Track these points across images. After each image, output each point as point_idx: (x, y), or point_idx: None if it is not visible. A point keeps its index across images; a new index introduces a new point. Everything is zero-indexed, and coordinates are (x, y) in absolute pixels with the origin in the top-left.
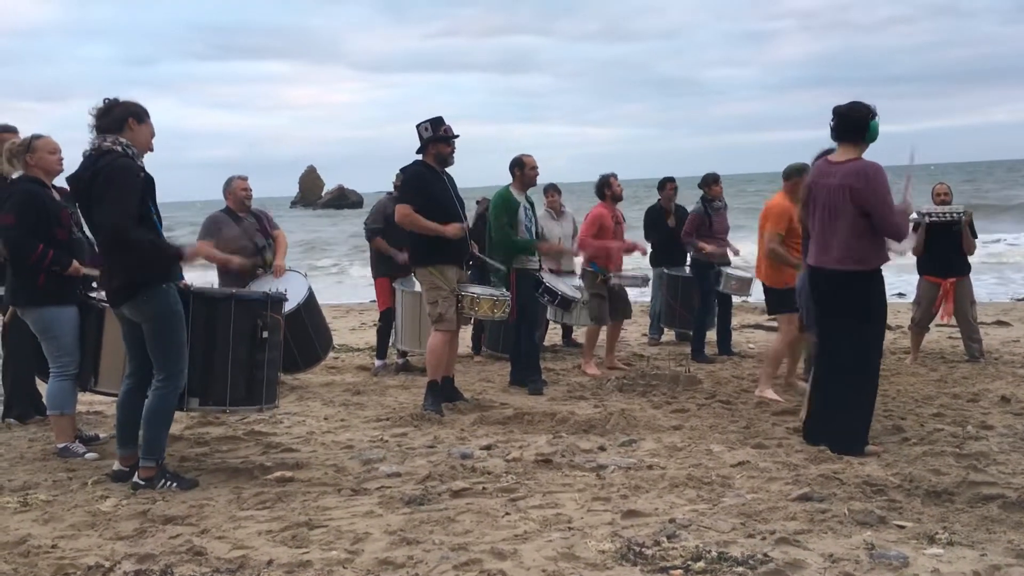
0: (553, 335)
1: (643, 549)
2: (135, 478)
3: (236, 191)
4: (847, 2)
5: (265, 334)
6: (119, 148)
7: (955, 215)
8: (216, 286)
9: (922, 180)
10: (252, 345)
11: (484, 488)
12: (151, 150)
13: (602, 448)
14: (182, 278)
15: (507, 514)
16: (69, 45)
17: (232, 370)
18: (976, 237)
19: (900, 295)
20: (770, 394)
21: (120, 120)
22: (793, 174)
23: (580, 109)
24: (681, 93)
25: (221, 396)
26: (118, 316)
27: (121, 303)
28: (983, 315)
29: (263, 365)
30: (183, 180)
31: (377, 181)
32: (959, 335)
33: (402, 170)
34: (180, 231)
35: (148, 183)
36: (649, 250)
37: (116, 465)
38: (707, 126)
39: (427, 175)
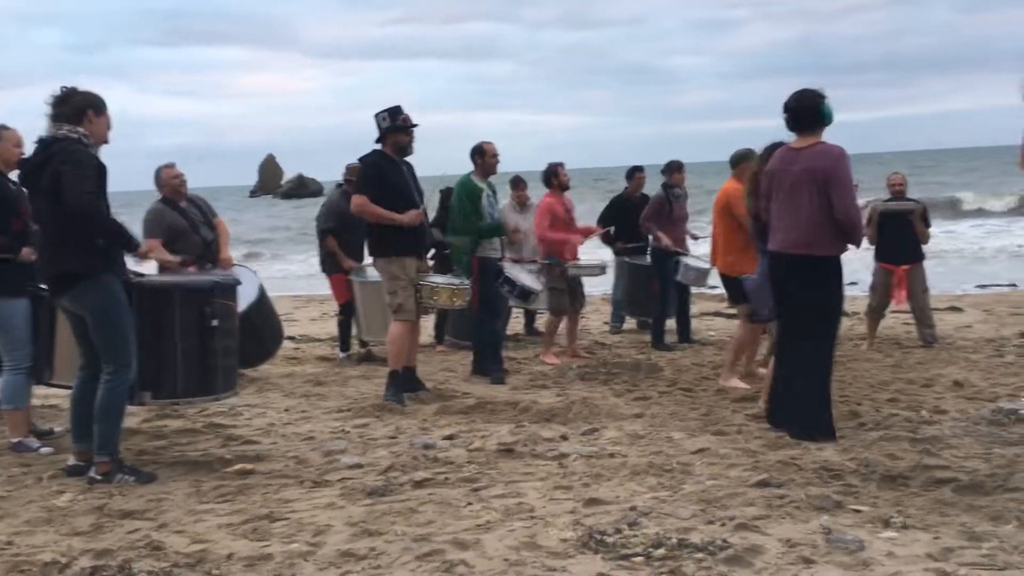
0: (516, 324)
1: (604, 537)
2: (91, 473)
3: (167, 180)
4: None
5: (215, 322)
6: (75, 136)
7: (907, 212)
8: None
9: (873, 171)
10: (202, 334)
11: (446, 478)
12: (107, 142)
13: (564, 437)
14: (125, 269)
15: (469, 504)
16: (17, 31)
17: (183, 361)
18: (929, 227)
19: (853, 283)
20: (734, 382)
21: (79, 110)
22: (740, 160)
23: (542, 96)
24: (643, 81)
25: (173, 388)
26: (61, 309)
27: (60, 294)
28: (936, 302)
29: (216, 353)
30: (138, 169)
31: (337, 170)
32: (913, 321)
33: (360, 160)
34: (134, 221)
35: (101, 171)
36: (612, 230)
37: (71, 460)
38: (669, 114)
39: (385, 165)
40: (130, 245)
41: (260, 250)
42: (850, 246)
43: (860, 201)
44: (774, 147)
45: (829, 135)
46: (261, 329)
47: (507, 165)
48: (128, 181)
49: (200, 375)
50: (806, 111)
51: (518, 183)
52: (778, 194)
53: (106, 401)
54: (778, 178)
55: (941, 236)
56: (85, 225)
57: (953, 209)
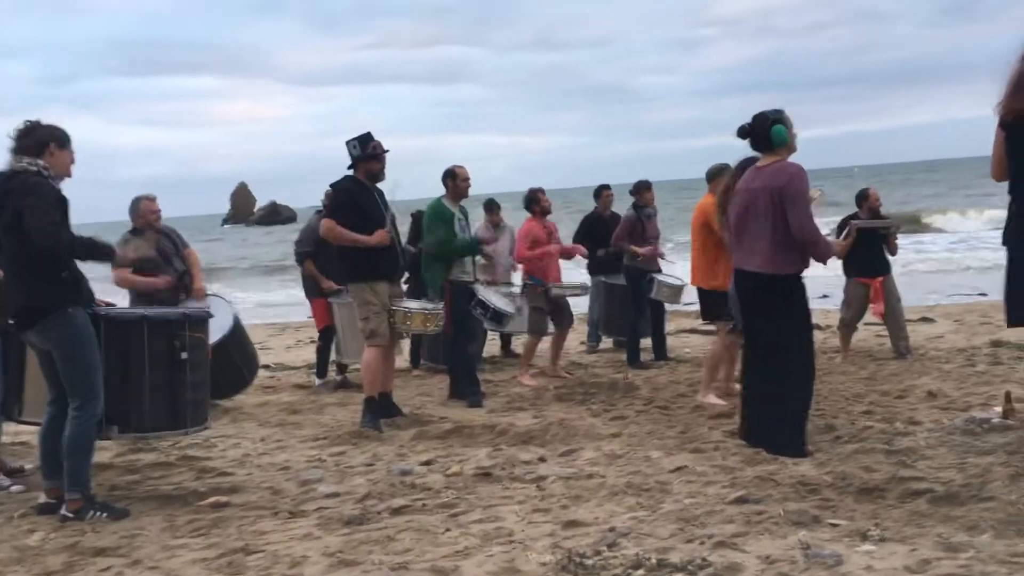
0: (492, 346)
1: (584, 559)
2: (62, 511)
3: (145, 212)
4: (772, 8)
5: (184, 355)
6: (34, 168)
7: (882, 230)
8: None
9: (843, 184)
10: (171, 367)
11: (424, 504)
12: (69, 175)
13: (542, 459)
14: (93, 301)
15: (447, 530)
16: None
17: (151, 395)
18: (896, 240)
19: (824, 296)
20: (712, 399)
21: (41, 144)
22: (716, 174)
23: (514, 118)
24: (614, 100)
25: (141, 422)
26: (28, 343)
27: (26, 328)
28: (907, 313)
29: (186, 386)
30: (110, 199)
31: (310, 196)
32: (886, 333)
33: (332, 185)
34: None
35: (62, 203)
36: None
37: (42, 498)
38: (641, 133)
39: (356, 191)
40: (109, 255)
41: (229, 279)
42: (814, 263)
43: (830, 221)
44: (747, 162)
45: (799, 150)
46: (236, 358)
47: (481, 187)
48: (98, 213)
49: (169, 409)
50: (758, 136)
51: (492, 206)
52: (740, 211)
53: (74, 436)
54: (741, 196)
55: (908, 248)
56: (54, 256)
57: (918, 223)
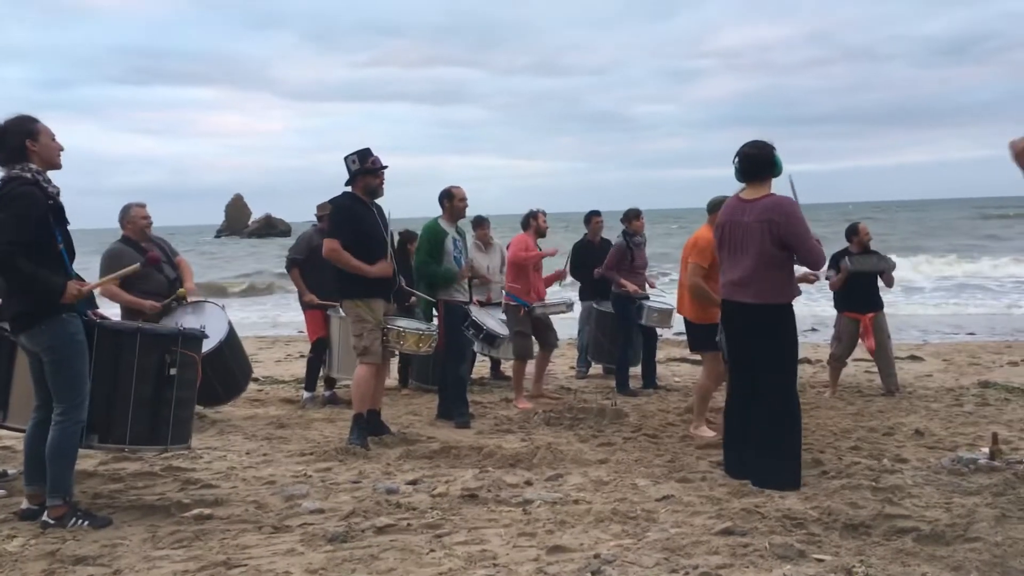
0: (481, 368)
1: None
2: (44, 517)
3: (136, 220)
4: (769, 43)
5: (173, 371)
6: (28, 175)
7: (880, 272)
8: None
9: (840, 219)
10: (159, 382)
11: (409, 524)
12: (62, 149)
13: (528, 482)
14: (91, 309)
15: (432, 551)
16: None
17: (135, 408)
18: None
19: (813, 330)
20: (704, 431)
21: (18, 148)
22: (717, 206)
23: (511, 141)
24: (610, 128)
25: (122, 434)
26: (20, 347)
27: (20, 332)
28: (896, 350)
29: (170, 403)
30: (103, 206)
31: (305, 210)
32: (875, 369)
33: (331, 202)
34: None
35: (57, 212)
36: (569, 279)
37: (24, 503)
38: (635, 161)
39: (356, 208)
40: (54, 294)
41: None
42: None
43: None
44: (722, 201)
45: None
46: (231, 364)
47: (477, 209)
48: (93, 219)
49: (151, 424)
50: (762, 161)
51: (480, 222)
52: (728, 244)
53: (57, 442)
54: (728, 229)
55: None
56: (8, 275)
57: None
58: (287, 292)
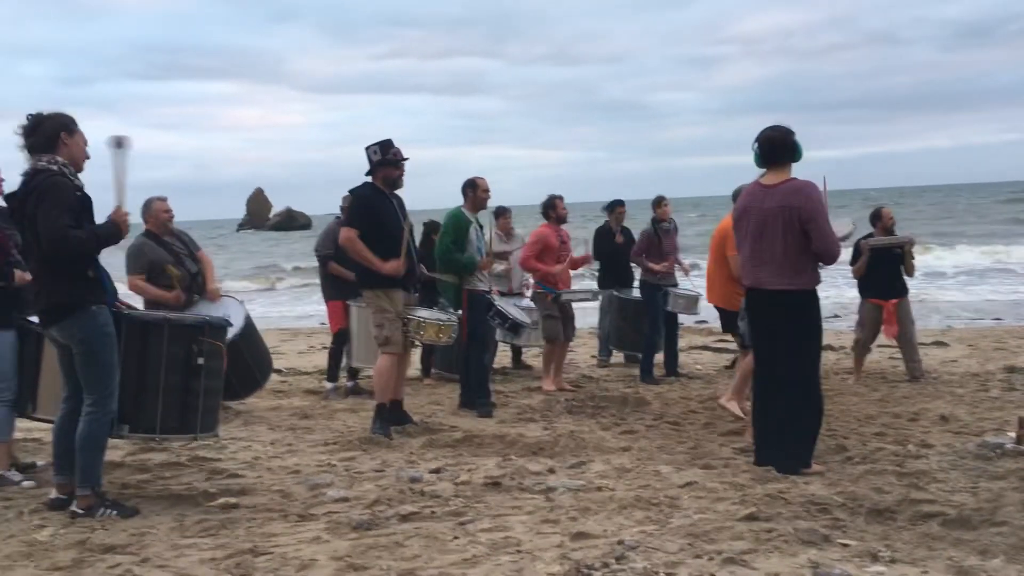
0: (503, 357)
1: (591, 571)
2: (73, 507)
3: (157, 213)
4: (790, 28)
5: (201, 360)
6: (55, 167)
7: (897, 248)
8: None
9: (861, 205)
10: (187, 372)
11: (433, 512)
12: (87, 159)
13: (551, 470)
14: (116, 299)
15: (456, 538)
16: (6, 64)
17: (164, 397)
18: (913, 259)
19: (836, 316)
20: (733, 406)
21: (52, 137)
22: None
23: (530, 132)
24: (628, 117)
25: (152, 424)
26: (50, 339)
27: (50, 325)
28: (921, 336)
29: (199, 392)
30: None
31: (326, 203)
32: (900, 356)
33: (351, 191)
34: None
35: (85, 202)
36: (597, 265)
37: (53, 493)
38: (654, 149)
39: (375, 198)
40: (115, 232)
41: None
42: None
43: (843, 228)
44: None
45: (807, 168)
46: (248, 358)
47: (497, 199)
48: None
49: (180, 413)
50: (783, 146)
51: (501, 212)
52: (750, 231)
53: (87, 433)
54: (749, 215)
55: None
56: (63, 259)
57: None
58: (306, 286)
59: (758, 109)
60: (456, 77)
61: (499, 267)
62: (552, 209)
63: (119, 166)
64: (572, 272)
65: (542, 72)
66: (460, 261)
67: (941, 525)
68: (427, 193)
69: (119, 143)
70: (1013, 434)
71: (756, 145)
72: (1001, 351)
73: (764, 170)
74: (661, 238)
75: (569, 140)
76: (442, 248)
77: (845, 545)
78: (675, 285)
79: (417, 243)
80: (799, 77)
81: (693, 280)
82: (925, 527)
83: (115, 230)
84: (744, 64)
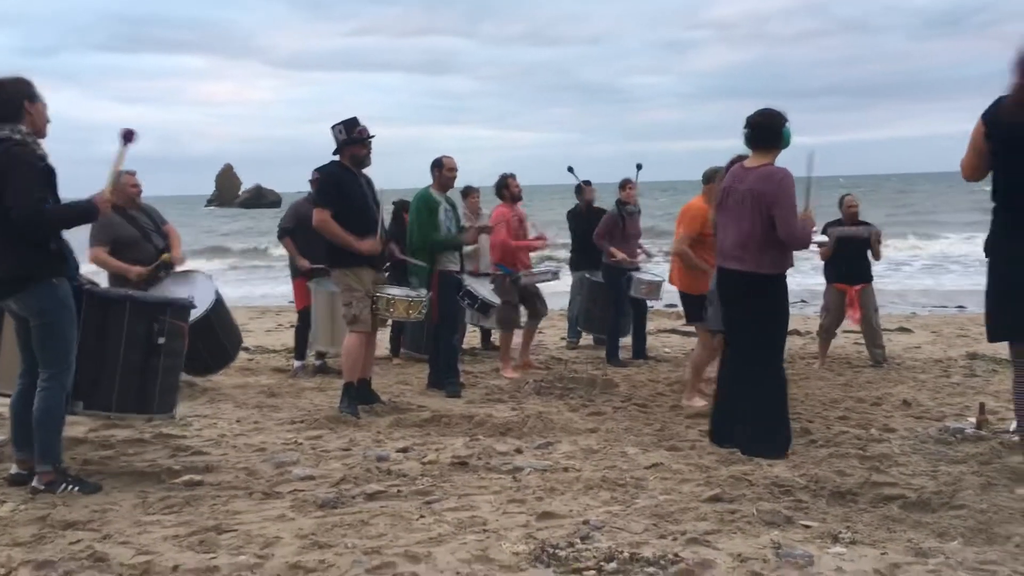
0: (472, 338)
1: (557, 551)
2: (34, 483)
3: (125, 187)
4: (765, 14)
5: (162, 340)
6: (17, 136)
7: (863, 236)
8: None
9: (831, 192)
10: (147, 350)
11: (399, 491)
12: (48, 124)
13: (518, 451)
14: (78, 273)
15: (421, 517)
16: None
17: (122, 374)
18: (880, 245)
19: (803, 301)
20: (695, 402)
21: (15, 105)
22: (712, 177)
23: (503, 112)
24: (603, 99)
25: (107, 401)
26: (8, 311)
27: (8, 296)
28: (885, 322)
29: (157, 371)
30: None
31: (296, 180)
32: (864, 341)
33: (318, 170)
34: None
35: (48, 173)
36: (555, 241)
37: (14, 469)
38: (628, 132)
39: (344, 177)
40: (90, 211)
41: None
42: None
43: (811, 204)
44: (735, 161)
45: (787, 155)
46: (219, 333)
47: (468, 180)
48: (78, 188)
49: (138, 391)
50: (769, 130)
51: (468, 192)
52: (725, 210)
53: (42, 409)
54: (726, 194)
55: (887, 261)
56: (35, 235)
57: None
58: (271, 265)
59: (731, 94)
60: (429, 55)
61: (468, 247)
62: (505, 188)
63: (119, 155)
64: (539, 252)
65: (517, 52)
66: (442, 241)
67: (901, 508)
68: (398, 173)
69: (128, 137)
70: (973, 419)
71: (746, 126)
72: (963, 338)
73: (751, 152)
74: (625, 220)
75: (543, 121)
76: (420, 234)
77: (807, 526)
78: (638, 269)
79: (387, 222)
80: (772, 63)
81: (656, 265)
82: (885, 509)
83: (92, 208)
84: (718, 48)
